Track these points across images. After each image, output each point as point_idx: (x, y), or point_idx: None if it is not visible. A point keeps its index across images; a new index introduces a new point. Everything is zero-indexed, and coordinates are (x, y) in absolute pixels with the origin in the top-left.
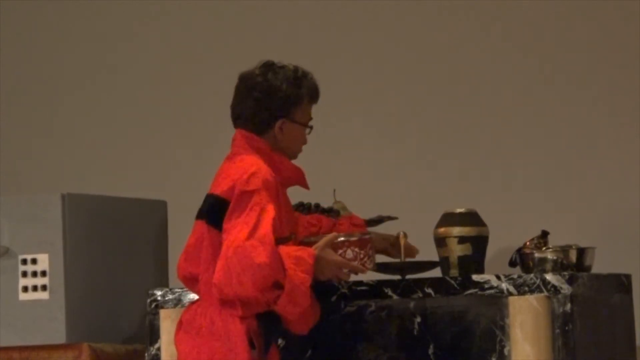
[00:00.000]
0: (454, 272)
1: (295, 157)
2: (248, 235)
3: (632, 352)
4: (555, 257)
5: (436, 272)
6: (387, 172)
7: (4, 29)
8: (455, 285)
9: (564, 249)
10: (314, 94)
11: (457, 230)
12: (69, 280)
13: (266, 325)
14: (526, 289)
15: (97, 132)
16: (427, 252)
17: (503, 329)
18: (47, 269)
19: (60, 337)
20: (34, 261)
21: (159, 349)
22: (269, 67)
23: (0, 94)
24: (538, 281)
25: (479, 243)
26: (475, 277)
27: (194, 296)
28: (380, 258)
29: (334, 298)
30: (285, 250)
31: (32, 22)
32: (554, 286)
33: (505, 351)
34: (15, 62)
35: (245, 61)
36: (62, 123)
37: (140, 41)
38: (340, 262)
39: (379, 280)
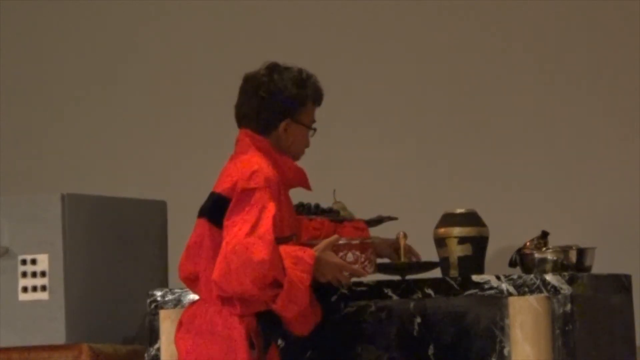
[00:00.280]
0: (454, 272)
1: (298, 158)
2: (248, 232)
3: (632, 353)
4: (555, 258)
5: (436, 273)
6: (387, 172)
7: (4, 29)
8: (455, 286)
9: (564, 250)
10: (318, 97)
11: (457, 231)
12: (69, 281)
13: (266, 325)
14: (526, 289)
15: (97, 132)
16: (427, 252)
17: (503, 329)
18: (47, 270)
19: (60, 338)
20: (33, 261)
21: (158, 349)
22: (274, 68)
23: (0, 94)
24: (538, 281)
25: (479, 243)
26: (475, 278)
27: (193, 296)
28: (380, 258)
29: (334, 299)
30: (285, 249)
31: (32, 22)
32: (554, 286)
33: (505, 352)
34: (15, 62)
35: (245, 62)
36: (62, 123)
37: (140, 41)
38: (340, 265)
39: (379, 281)
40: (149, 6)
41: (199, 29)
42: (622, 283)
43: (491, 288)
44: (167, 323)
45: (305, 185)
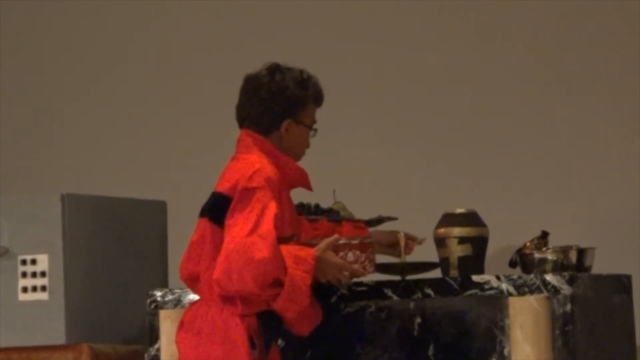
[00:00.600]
0: (454, 272)
1: (298, 159)
2: (250, 231)
3: (632, 353)
4: (555, 258)
5: (436, 273)
6: (387, 172)
7: (4, 30)
8: (455, 286)
9: (564, 250)
10: (318, 97)
11: (457, 231)
12: (69, 281)
13: (267, 325)
14: (526, 289)
15: (97, 132)
16: (427, 252)
17: (503, 329)
18: (47, 270)
19: (60, 338)
20: (33, 262)
21: (158, 349)
22: (275, 68)
23: (0, 94)
24: (538, 282)
25: (479, 244)
26: (475, 278)
27: (193, 297)
28: (381, 258)
29: (333, 299)
30: (287, 248)
31: (33, 23)
32: (554, 287)
33: (505, 352)
34: (15, 62)
35: (245, 62)
36: (62, 123)
37: (140, 41)
38: (341, 265)
39: (379, 281)
40: (149, 6)
41: (199, 29)
42: (622, 283)
43: (491, 288)
44: (167, 323)
45: (306, 185)
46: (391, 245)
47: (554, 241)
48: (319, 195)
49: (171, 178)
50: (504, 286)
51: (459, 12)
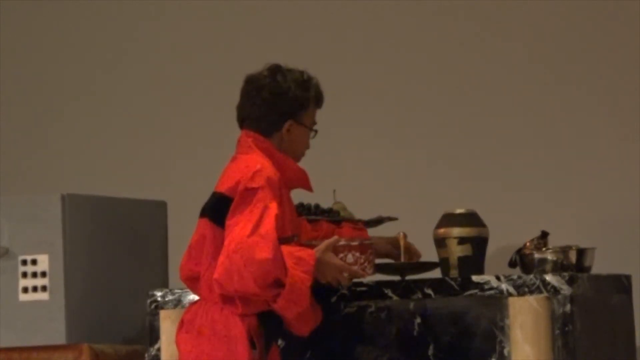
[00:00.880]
0: (454, 272)
1: (299, 160)
2: (251, 231)
3: (632, 353)
4: (555, 258)
5: (436, 273)
6: (387, 172)
7: (4, 29)
8: (455, 286)
9: (564, 250)
10: (319, 99)
11: (457, 231)
12: (69, 281)
13: (267, 325)
14: (526, 289)
15: (97, 132)
16: (427, 252)
17: (503, 329)
18: (47, 270)
19: (60, 338)
20: (33, 262)
21: (159, 349)
22: (276, 69)
23: (0, 94)
24: (538, 282)
25: (479, 244)
26: (475, 278)
27: (194, 297)
28: (381, 259)
29: (334, 299)
30: (287, 249)
31: (33, 23)
32: (553, 287)
33: (505, 352)
34: (15, 62)
35: (246, 62)
36: (62, 123)
37: (140, 41)
38: (340, 266)
39: (379, 281)
40: (149, 6)
41: (199, 29)
42: (622, 283)
43: (491, 288)
44: (167, 323)
45: (307, 186)
46: (388, 253)
47: (553, 241)
48: (319, 196)
49: (171, 178)
50: (504, 286)
51: (459, 12)
